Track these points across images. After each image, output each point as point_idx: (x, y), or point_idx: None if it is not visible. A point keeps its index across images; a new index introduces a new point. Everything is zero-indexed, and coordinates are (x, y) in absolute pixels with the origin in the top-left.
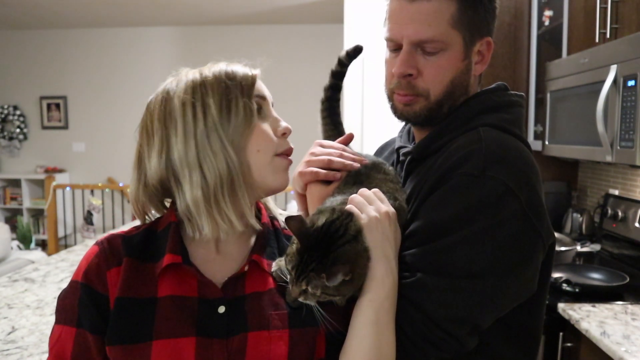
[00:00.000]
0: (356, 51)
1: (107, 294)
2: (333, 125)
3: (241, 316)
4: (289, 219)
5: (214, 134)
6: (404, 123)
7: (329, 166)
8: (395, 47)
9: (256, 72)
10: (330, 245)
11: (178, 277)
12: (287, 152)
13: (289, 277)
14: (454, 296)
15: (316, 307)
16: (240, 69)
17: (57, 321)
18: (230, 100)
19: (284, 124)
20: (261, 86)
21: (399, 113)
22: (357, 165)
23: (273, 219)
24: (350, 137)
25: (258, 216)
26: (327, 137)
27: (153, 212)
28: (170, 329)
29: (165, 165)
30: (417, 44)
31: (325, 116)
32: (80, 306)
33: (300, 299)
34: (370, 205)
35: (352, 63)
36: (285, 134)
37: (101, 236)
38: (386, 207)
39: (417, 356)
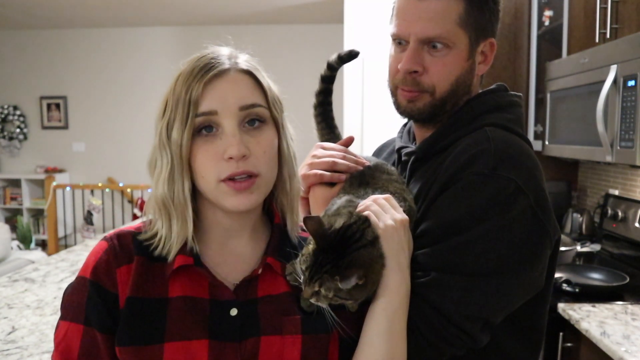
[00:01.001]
0: (350, 56)
1: (117, 292)
2: (329, 129)
3: (254, 319)
4: (307, 219)
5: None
6: (403, 123)
7: (332, 168)
8: (401, 43)
9: (210, 75)
10: (346, 248)
11: (189, 278)
12: (231, 176)
13: (302, 277)
14: (468, 294)
15: (327, 310)
16: (195, 79)
17: (63, 317)
18: (172, 124)
19: (233, 149)
20: (215, 98)
21: (402, 109)
22: (360, 167)
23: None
24: (351, 140)
25: (270, 217)
26: (324, 142)
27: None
28: (182, 331)
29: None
30: (424, 41)
31: (320, 121)
32: (88, 304)
33: (312, 300)
34: (386, 214)
35: (351, 64)
36: (231, 158)
37: (109, 232)
38: (401, 215)
39: (432, 354)
